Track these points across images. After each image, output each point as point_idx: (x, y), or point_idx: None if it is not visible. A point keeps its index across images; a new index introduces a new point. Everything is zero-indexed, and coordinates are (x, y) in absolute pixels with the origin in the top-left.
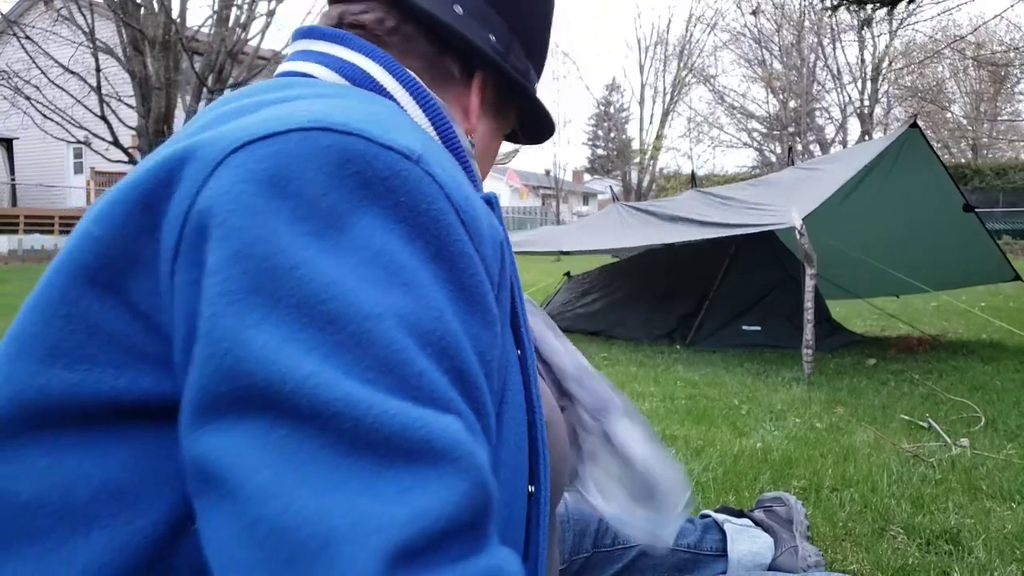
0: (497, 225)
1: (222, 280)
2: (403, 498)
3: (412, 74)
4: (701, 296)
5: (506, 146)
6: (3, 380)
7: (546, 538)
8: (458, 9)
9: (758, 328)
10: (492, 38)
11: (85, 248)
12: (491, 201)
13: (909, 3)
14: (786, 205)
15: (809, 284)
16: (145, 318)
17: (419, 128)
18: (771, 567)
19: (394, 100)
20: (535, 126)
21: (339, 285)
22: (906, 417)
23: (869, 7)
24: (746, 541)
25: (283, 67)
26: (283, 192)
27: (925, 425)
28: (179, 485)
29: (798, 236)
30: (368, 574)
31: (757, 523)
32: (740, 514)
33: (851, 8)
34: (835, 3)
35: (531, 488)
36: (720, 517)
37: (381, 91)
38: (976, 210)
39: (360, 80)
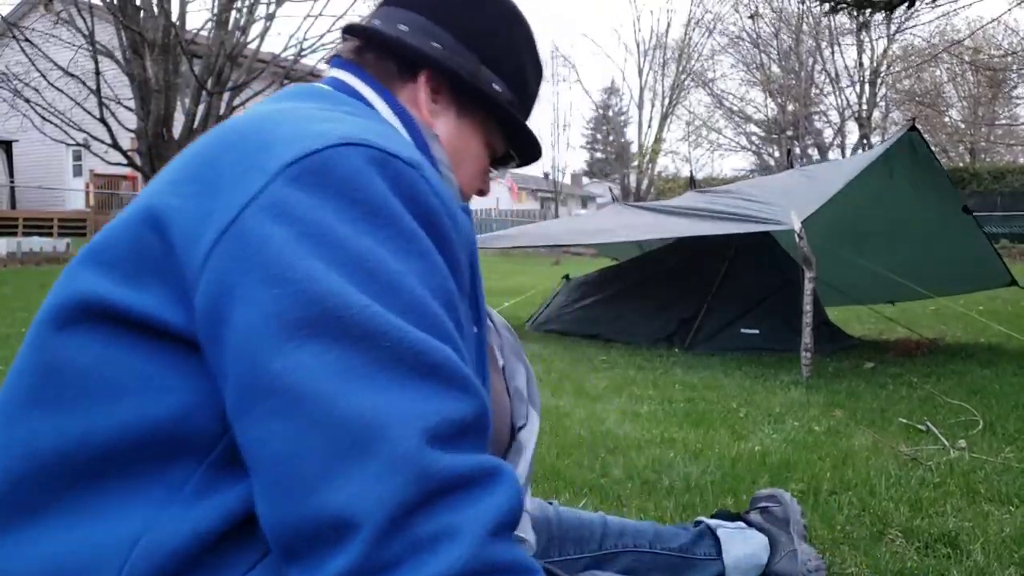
0: (468, 223)
1: (295, 247)
2: (432, 399)
3: (390, 92)
4: (700, 299)
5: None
6: (78, 284)
7: None
8: (402, 27)
9: (757, 331)
10: (436, 44)
11: None
12: (466, 211)
13: (909, 7)
14: (785, 207)
15: (808, 287)
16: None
17: (410, 144)
18: (771, 572)
19: (379, 114)
20: (522, 141)
21: (375, 251)
22: (904, 420)
23: (867, 10)
24: (740, 544)
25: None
26: (328, 191)
27: (923, 428)
28: (195, 384)
29: (797, 239)
30: (412, 446)
31: (753, 525)
32: (736, 518)
33: (849, 11)
34: (833, 5)
35: None
36: (713, 523)
37: (369, 105)
38: (974, 214)
39: (358, 99)
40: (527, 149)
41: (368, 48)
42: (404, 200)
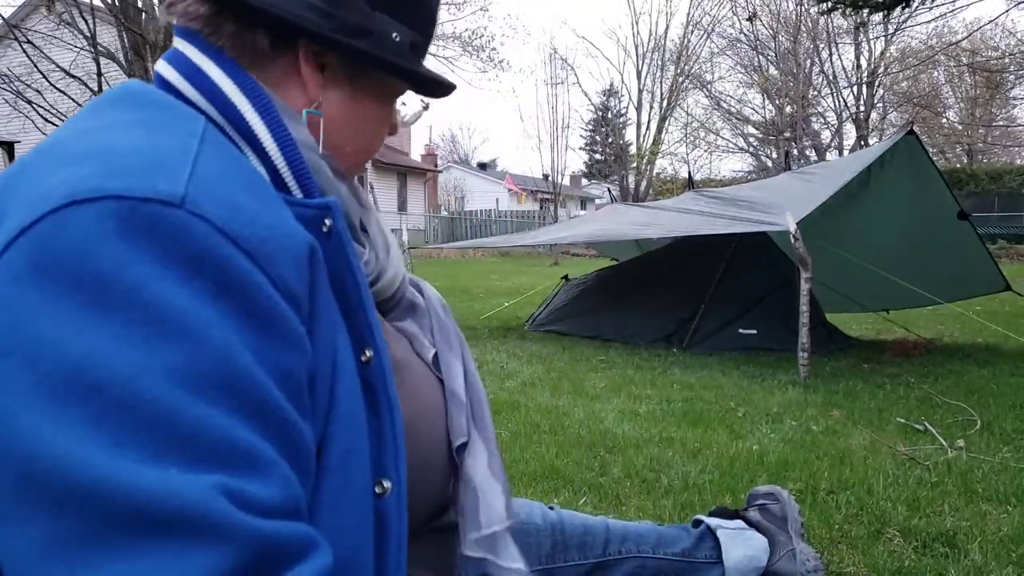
0: (299, 235)
1: (18, 370)
2: (168, 572)
3: (236, 64)
4: (698, 300)
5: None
6: None
7: (404, 534)
8: None
9: (754, 331)
10: (315, 2)
11: None
12: (330, 206)
13: (904, 7)
14: (782, 208)
15: (804, 288)
16: None
17: (202, 159)
18: (770, 572)
19: (225, 98)
20: (426, 86)
21: (98, 354)
22: (902, 420)
23: (865, 10)
24: (740, 546)
25: (157, 63)
26: (41, 279)
27: (921, 428)
28: None
29: (792, 240)
30: None
31: (752, 524)
32: (734, 515)
33: (846, 11)
34: (830, 5)
35: (385, 484)
36: (713, 523)
37: (214, 90)
38: (971, 215)
39: (198, 81)
40: (432, 89)
41: (221, 16)
42: (163, 260)
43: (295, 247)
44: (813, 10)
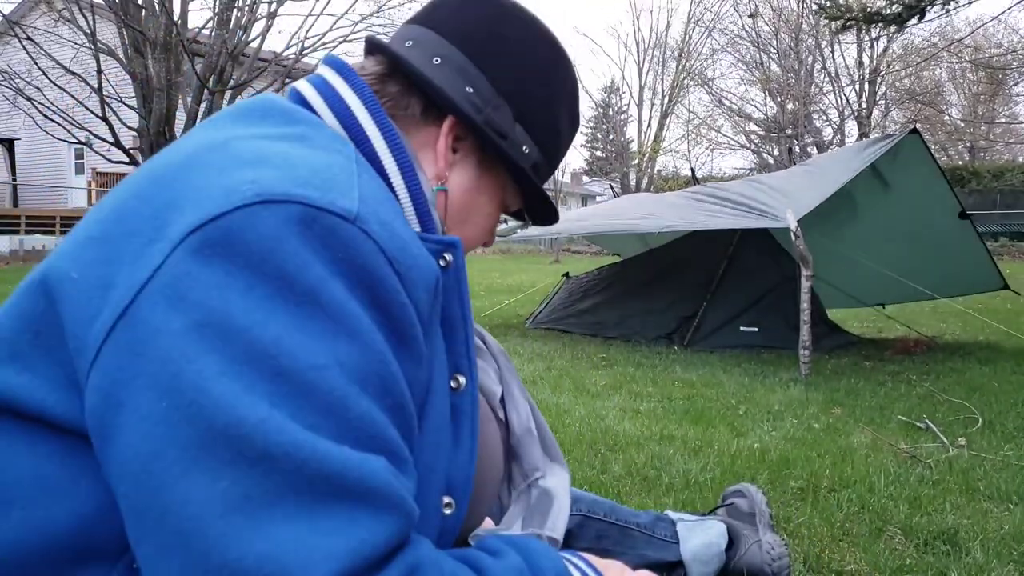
0: (432, 267)
1: (187, 345)
2: (344, 532)
3: (386, 115)
4: (699, 297)
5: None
6: None
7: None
8: (436, 60)
9: (756, 329)
10: (470, 90)
11: None
12: (454, 244)
13: (920, 20)
14: (783, 205)
15: (805, 285)
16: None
17: (362, 182)
18: (735, 565)
19: (365, 135)
20: (538, 205)
21: (285, 341)
22: (903, 418)
23: (878, 25)
24: (698, 535)
25: (298, 84)
26: (233, 265)
27: (922, 426)
28: (97, 487)
29: (793, 238)
30: None
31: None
32: (702, 516)
33: (859, 26)
34: (843, 23)
35: (449, 501)
36: (675, 515)
37: (355, 127)
38: (973, 213)
39: (341, 112)
40: (542, 214)
41: (393, 77)
42: (334, 266)
43: (428, 276)
44: (815, 7)
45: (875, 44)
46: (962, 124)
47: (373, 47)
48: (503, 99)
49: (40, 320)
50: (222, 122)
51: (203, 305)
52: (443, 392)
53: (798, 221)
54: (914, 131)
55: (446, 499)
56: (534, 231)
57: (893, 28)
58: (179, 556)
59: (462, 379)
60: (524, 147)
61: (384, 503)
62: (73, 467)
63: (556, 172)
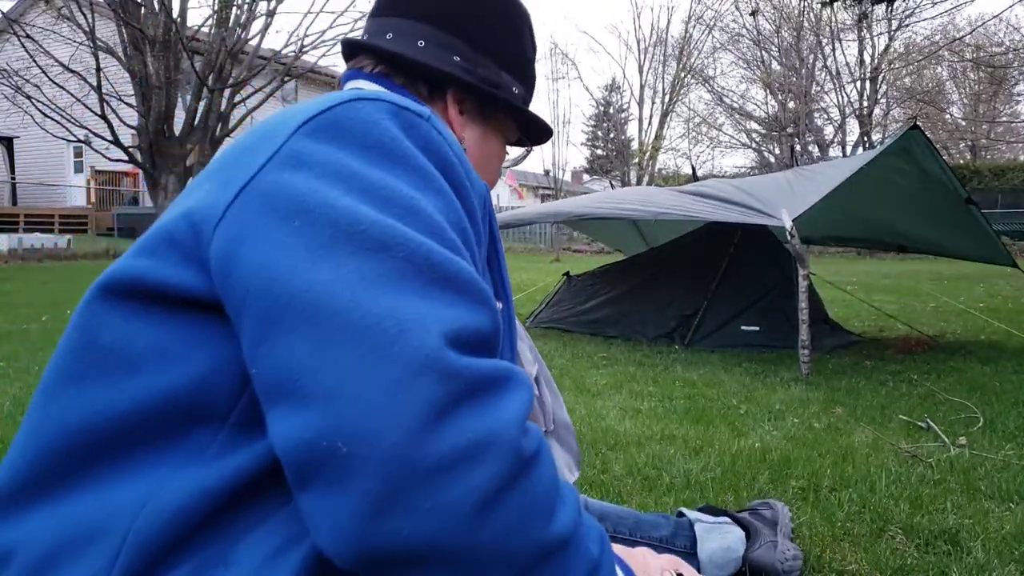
0: (483, 183)
1: (310, 185)
2: (451, 306)
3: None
4: (700, 296)
5: (514, 151)
6: (112, 266)
7: None
8: (420, 43)
9: (757, 328)
10: (457, 59)
11: None
12: (486, 188)
13: None
14: (778, 204)
15: (803, 284)
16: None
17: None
18: (748, 561)
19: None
20: (533, 128)
21: (390, 182)
22: (905, 417)
23: (866, 2)
24: (716, 539)
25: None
26: (342, 138)
27: (924, 425)
28: (214, 351)
29: (788, 237)
30: (434, 348)
31: (736, 521)
32: (722, 513)
33: (847, 3)
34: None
35: None
36: (693, 515)
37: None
38: (978, 204)
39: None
40: (538, 134)
41: (393, 72)
42: (418, 144)
43: (482, 187)
44: (816, 4)
45: (876, 42)
46: (963, 123)
47: (355, 48)
48: (485, 56)
49: (181, 233)
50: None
51: (320, 163)
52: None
53: (793, 220)
54: (915, 126)
55: None
56: (532, 212)
57: (883, 11)
58: (306, 330)
59: (500, 304)
60: (513, 88)
61: (481, 299)
62: (188, 338)
63: (556, 171)
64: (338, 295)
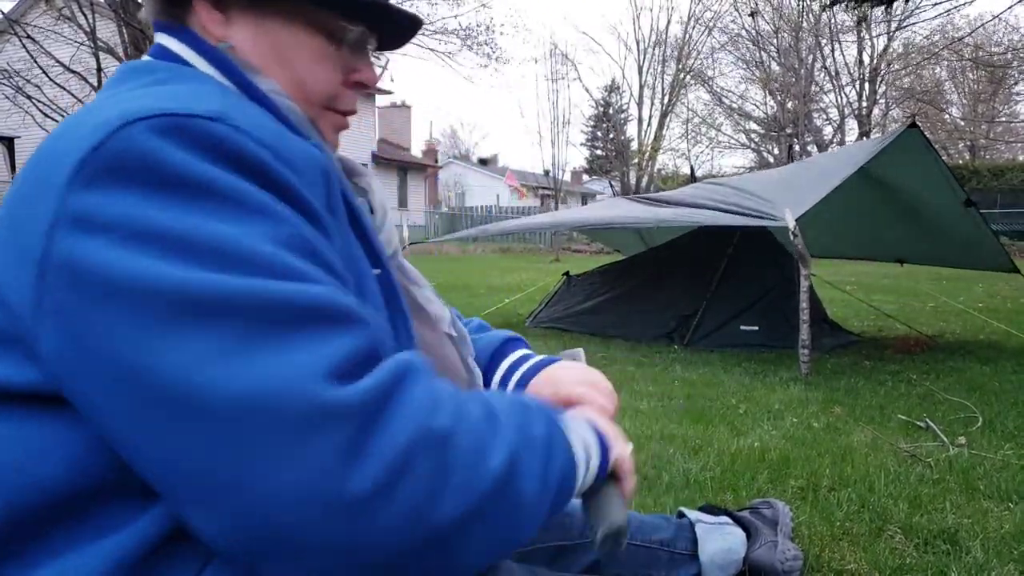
0: (315, 154)
1: (115, 255)
2: (316, 345)
3: (190, 33)
4: (699, 296)
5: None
6: None
7: None
8: None
9: (756, 328)
10: None
11: None
12: (317, 146)
13: (907, 1)
14: (780, 204)
15: (804, 284)
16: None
17: (219, 93)
18: (748, 560)
19: (196, 69)
20: (366, 11)
21: (200, 227)
22: (904, 417)
23: (866, 5)
24: (717, 540)
25: (145, 58)
26: (125, 184)
27: (923, 425)
28: (73, 435)
29: (791, 237)
30: (311, 398)
31: (736, 520)
32: (723, 513)
33: (849, 5)
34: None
35: None
36: (694, 516)
37: (185, 64)
38: (976, 205)
39: (174, 61)
40: (370, 11)
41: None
42: (217, 160)
43: (314, 163)
44: (815, 5)
45: (875, 42)
46: (962, 123)
47: None
48: None
49: None
50: (105, 87)
51: (113, 223)
52: (371, 277)
53: (796, 220)
54: (913, 125)
55: None
56: (532, 222)
57: (882, 11)
58: (177, 427)
59: (377, 270)
60: None
61: (341, 315)
62: (47, 424)
63: (556, 171)
64: (195, 382)
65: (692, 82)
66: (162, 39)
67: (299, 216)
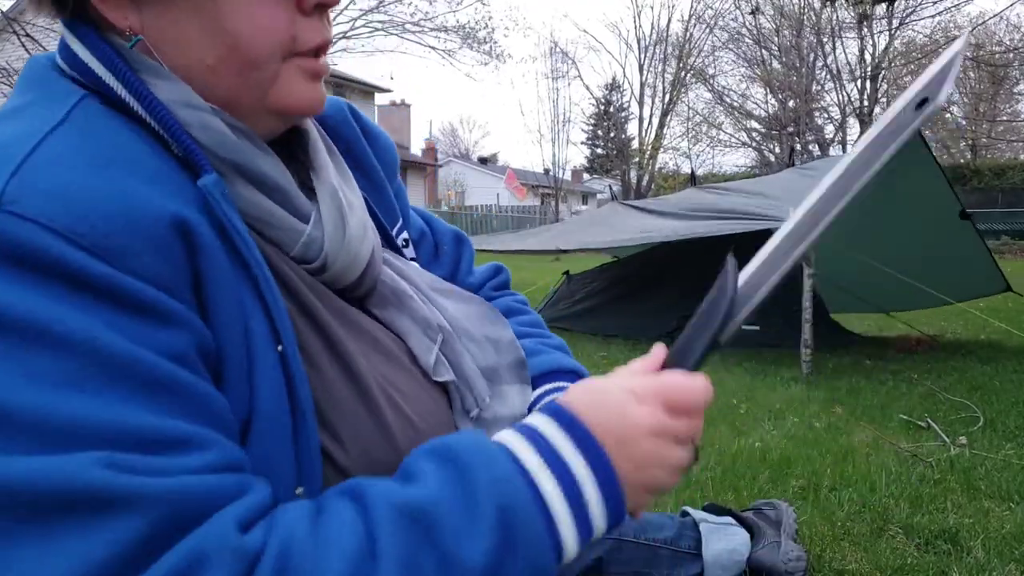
0: (155, 215)
1: None
2: (67, 551)
3: (93, 35)
4: (700, 296)
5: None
6: None
7: None
8: None
9: (757, 328)
10: None
11: None
12: (204, 168)
13: None
14: (784, 204)
15: (807, 284)
16: None
17: (50, 144)
18: (751, 561)
19: (90, 69)
20: None
21: (54, 402)
22: (905, 417)
23: (867, 2)
24: (721, 540)
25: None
26: None
27: (924, 425)
28: None
29: None
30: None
31: (740, 520)
32: (727, 512)
33: (849, 2)
34: None
35: (299, 491)
36: (698, 515)
37: (83, 67)
38: (975, 211)
39: (68, 58)
40: None
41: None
42: (8, 270)
43: (149, 230)
44: (816, 2)
45: (876, 41)
46: (963, 122)
47: None
48: None
49: None
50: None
51: None
52: (271, 361)
53: None
54: None
55: (299, 490)
56: (533, 243)
57: (883, 9)
58: None
59: (280, 348)
60: None
61: (111, 503)
62: None
63: (556, 170)
64: None
65: (693, 80)
66: (66, 36)
67: (111, 311)
